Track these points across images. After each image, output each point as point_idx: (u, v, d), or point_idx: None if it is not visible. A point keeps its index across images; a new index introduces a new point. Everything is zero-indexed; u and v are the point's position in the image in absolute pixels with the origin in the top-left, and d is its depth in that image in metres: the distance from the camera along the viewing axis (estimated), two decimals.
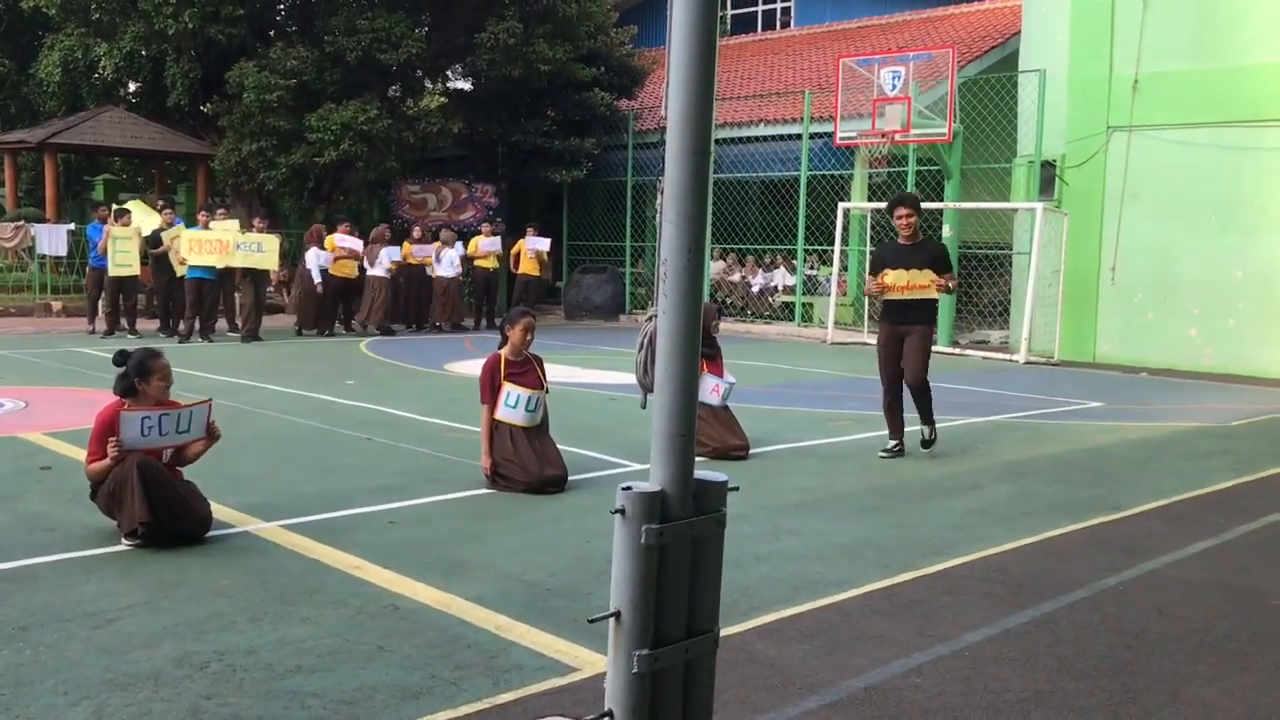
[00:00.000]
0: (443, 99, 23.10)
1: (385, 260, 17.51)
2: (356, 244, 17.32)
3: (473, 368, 12.68)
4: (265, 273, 16.31)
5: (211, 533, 5.32)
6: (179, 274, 15.52)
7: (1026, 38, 17.33)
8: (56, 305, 19.39)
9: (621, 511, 2.85)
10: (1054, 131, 16.29)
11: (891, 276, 7.97)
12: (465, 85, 23.12)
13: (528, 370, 6.78)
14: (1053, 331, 15.89)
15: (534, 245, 19.35)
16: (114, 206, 16.26)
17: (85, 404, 9.33)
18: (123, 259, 15.41)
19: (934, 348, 8.34)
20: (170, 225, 15.99)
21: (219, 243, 15.24)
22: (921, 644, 4.22)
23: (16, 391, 10.05)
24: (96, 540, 5.18)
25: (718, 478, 2.85)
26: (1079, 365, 15.40)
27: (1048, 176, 16.33)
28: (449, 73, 22.80)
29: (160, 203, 17.34)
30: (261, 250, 15.68)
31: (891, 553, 5.48)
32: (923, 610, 4.62)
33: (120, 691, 3.54)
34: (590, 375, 12.44)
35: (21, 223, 20.22)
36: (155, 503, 4.98)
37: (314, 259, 16.78)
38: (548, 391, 6.90)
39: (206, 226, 15.45)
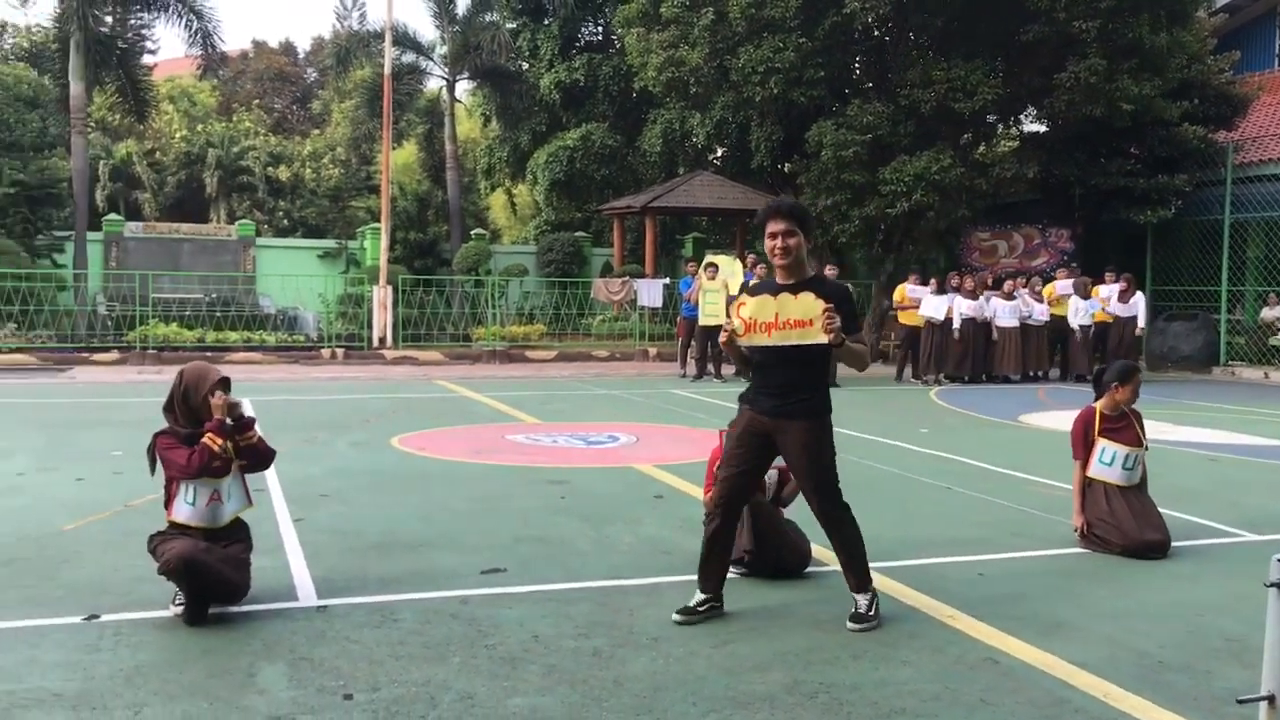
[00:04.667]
0: (1014, 143, 22.61)
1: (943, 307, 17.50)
2: (924, 292, 17.55)
3: (1048, 420, 12.19)
4: None
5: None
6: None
7: None
8: (652, 351, 21.65)
9: (1278, 586, 2.60)
10: None
11: (751, 306, 4.65)
12: (1039, 128, 22.45)
13: (1125, 426, 6.39)
14: None
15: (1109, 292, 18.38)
16: (704, 261, 17.84)
17: (685, 440, 10.29)
18: (712, 310, 16.83)
19: None
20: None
21: None
22: None
23: (628, 427, 11.32)
24: None
25: None
26: None
27: None
28: (1022, 116, 22.27)
29: (750, 256, 18.73)
30: None
31: None
32: None
33: (741, 709, 3.83)
34: (1185, 433, 11.38)
35: (626, 278, 22.90)
36: (760, 535, 5.36)
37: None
38: (1147, 449, 6.46)
39: None
